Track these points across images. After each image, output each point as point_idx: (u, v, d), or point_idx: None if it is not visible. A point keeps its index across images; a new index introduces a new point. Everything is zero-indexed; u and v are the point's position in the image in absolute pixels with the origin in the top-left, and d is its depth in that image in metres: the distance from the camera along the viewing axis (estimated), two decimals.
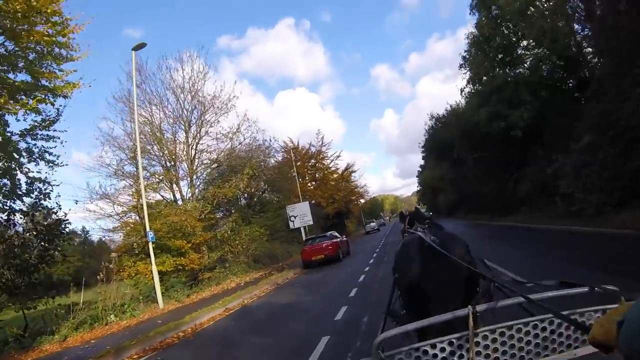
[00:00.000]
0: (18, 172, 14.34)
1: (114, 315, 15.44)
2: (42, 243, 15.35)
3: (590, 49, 20.83)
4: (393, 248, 7.35)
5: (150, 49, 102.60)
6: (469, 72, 26.38)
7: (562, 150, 17.64)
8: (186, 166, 25.79)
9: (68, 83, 13.46)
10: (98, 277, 15.66)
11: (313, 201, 46.65)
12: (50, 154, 14.77)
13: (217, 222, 25.94)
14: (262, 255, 27.54)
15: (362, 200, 64.43)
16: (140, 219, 22.02)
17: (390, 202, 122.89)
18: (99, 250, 38.19)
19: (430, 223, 4.03)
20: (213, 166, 26.48)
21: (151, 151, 24.33)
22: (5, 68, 12.59)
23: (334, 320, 7.71)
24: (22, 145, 14.29)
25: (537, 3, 22.01)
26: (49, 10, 11.63)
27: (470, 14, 26.03)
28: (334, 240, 20.38)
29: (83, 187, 26.89)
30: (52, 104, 13.71)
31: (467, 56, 26.55)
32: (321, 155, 50.70)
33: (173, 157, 24.92)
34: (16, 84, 12.61)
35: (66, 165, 15.45)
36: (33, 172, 14.62)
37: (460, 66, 26.95)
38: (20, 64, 12.83)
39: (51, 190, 15.08)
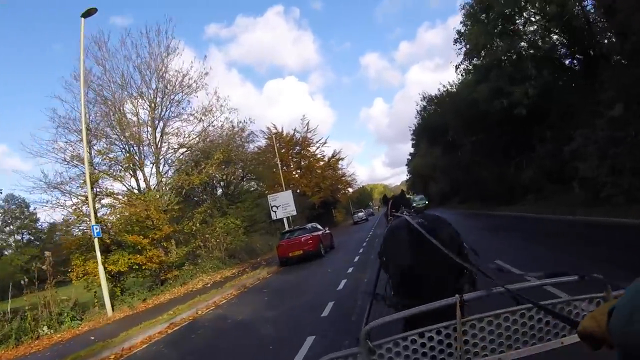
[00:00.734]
0: None
1: (47, 326, 12.87)
2: None
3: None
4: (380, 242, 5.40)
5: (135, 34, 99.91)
6: (464, 47, 23.79)
7: (573, 130, 15.32)
8: (152, 151, 23.06)
9: None
10: (22, 282, 13.01)
11: (298, 190, 44.18)
12: None
13: (186, 214, 23.22)
14: (239, 249, 24.96)
15: (350, 190, 61.88)
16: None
17: (379, 191, 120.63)
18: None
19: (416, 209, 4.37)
20: (182, 151, 23.75)
21: (111, 134, 21.49)
22: None
23: None
24: None
25: None
26: None
27: None
28: (315, 233, 17.95)
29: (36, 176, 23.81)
30: None
31: (463, 29, 23.95)
32: (306, 142, 48.05)
33: (137, 140, 22.10)
34: None
35: None
36: None
37: (455, 41, 24.33)
38: None
39: None
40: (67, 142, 19.22)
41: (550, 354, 1.99)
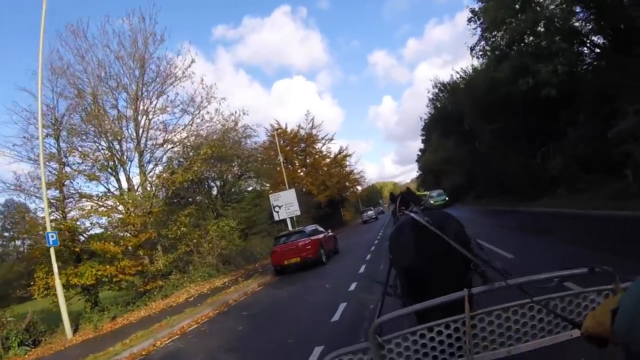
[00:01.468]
0: None
1: None
2: None
3: None
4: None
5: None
6: (479, 27, 21.16)
7: (611, 110, 12.79)
8: (135, 148, 20.86)
9: None
10: None
11: (303, 189, 41.83)
12: None
13: (174, 217, 20.97)
14: (235, 254, 22.67)
15: (359, 188, 59.29)
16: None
17: (389, 189, 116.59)
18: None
19: (425, 205, 4.06)
20: (168, 147, 21.51)
21: (87, 129, 19.27)
22: None
23: None
24: None
25: None
26: None
27: None
28: (315, 237, 15.59)
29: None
30: None
31: (477, 7, 21.32)
32: (312, 139, 45.60)
33: (116, 136, 19.90)
34: None
35: None
36: None
37: (469, 20, 21.66)
38: None
39: None
40: (25, 138, 16.98)
41: (559, 347, 1.97)
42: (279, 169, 43.49)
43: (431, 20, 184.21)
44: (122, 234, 19.06)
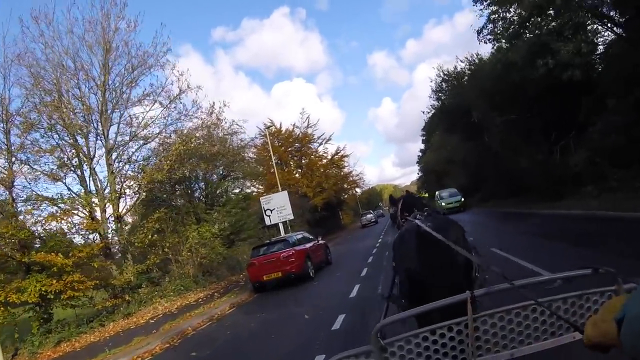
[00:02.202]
0: None
1: None
2: None
3: None
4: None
5: (141, 39, 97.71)
6: (488, 6, 18.85)
7: None
8: (104, 144, 18.57)
9: None
10: None
11: (298, 191, 39.52)
12: None
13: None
14: (217, 264, 20.31)
15: (358, 190, 56.82)
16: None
17: (389, 191, 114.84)
18: None
19: (430, 210, 3.90)
20: (142, 144, 19.18)
21: (48, 121, 16.97)
22: None
23: None
24: None
25: None
26: None
27: None
28: (300, 247, 13.11)
29: None
30: None
31: None
32: (307, 139, 43.26)
33: (81, 131, 17.63)
34: None
35: None
36: None
37: (475, 0, 19.44)
38: None
39: None
40: None
41: (563, 349, 1.96)
42: (272, 170, 41.48)
43: (430, 21, 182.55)
44: (82, 241, 16.85)
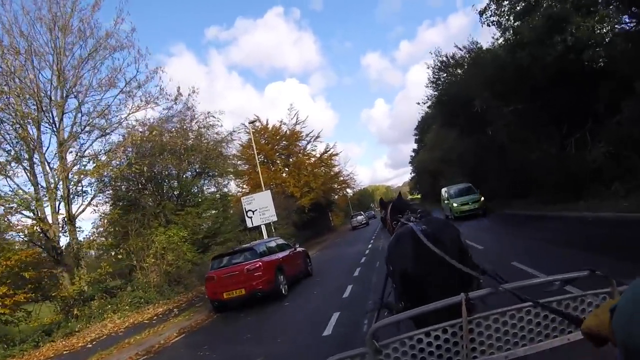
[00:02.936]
0: None
1: None
2: None
3: None
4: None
5: (136, 40, 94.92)
6: None
7: None
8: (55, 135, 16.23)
9: None
10: None
11: (284, 192, 37.20)
12: None
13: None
14: (187, 272, 17.94)
15: (350, 191, 54.44)
16: None
17: (381, 192, 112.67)
18: None
19: (423, 211, 3.88)
20: (98, 135, 16.80)
21: None
22: None
23: None
24: None
25: None
26: None
27: None
28: (270, 258, 10.56)
29: None
30: None
31: None
32: (295, 136, 40.91)
33: (32, 120, 15.30)
34: None
35: None
36: None
37: None
38: None
39: None
40: None
41: (557, 351, 1.97)
42: (258, 169, 39.09)
43: (424, 23, 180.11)
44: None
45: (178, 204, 19.99)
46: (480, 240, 11.23)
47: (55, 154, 15.54)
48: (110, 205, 20.49)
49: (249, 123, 30.83)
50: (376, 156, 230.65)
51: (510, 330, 1.95)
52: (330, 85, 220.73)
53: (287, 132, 40.59)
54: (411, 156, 70.22)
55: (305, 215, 36.80)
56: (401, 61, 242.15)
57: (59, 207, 16.09)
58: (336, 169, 44.16)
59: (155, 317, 12.16)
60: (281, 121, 40.36)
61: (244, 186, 38.73)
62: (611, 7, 13.35)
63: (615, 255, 6.36)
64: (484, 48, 19.69)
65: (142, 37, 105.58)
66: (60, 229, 15.98)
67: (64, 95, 16.33)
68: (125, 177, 20.44)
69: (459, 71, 19.86)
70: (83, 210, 16.09)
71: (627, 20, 13.95)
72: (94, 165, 15.41)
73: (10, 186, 14.86)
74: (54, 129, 16.14)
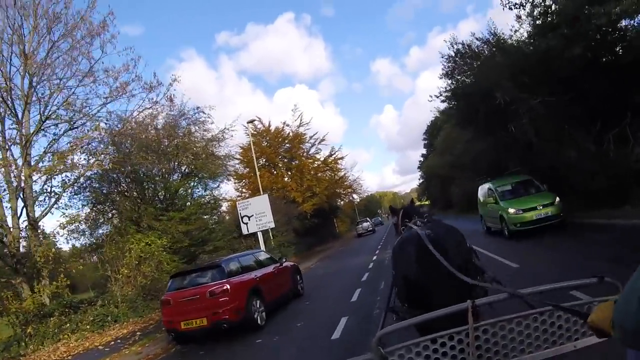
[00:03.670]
0: None
1: None
2: None
3: None
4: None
5: (145, 43, 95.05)
6: None
7: None
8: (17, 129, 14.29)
9: None
10: None
11: (285, 196, 35.10)
12: None
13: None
14: (165, 285, 15.80)
15: (356, 196, 52.05)
16: None
17: (389, 199, 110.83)
18: None
19: (429, 217, 3.91)
20: (65, 130, 14.82)
21: None
22: None
23: None
24: None
25: None
26: None
27: None
28: (241, 278, 8.14)
29: None
30: None
31: None
32: (298, 139, 38.77)
33: None
34: None
35: None
36: None
37: None
38: None
39: None
40: None
41: (564, 358, 1.95)
42: (259, 173, 37.01)
43: (434, 29, 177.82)
44: None
45: (159, 208, 17.91)
46: (510, 254, 9.00)
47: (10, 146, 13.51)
48: (90, 209, 18.71)
49: (248, 123, 28.59)
50: (384, 162, 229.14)
51: (517, 337, 1.93)
52: (340, 91, 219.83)
53: (290, 134, 38.55)
54: (420, 161, 67.98)
55: (307, 221, 34.64)
56: (411, 67, 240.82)
57: (22, 210, 14.26)
58: (341, 173, 41.83)
59: (114, 342, 10.12)
60: (284, 123, 38.34)
61: (244, 190, 36.75)
62: None
63: None
64: (504, 36, 17.51)
65: (152, 43, 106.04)
66: (21, 234, 14.11)
67: (30, 83, 14.44)
68: (107, 178, 18.65)
69: (477, 63, 17.63)
70: (46, 214, 14.12)
71: None
72: (53, 159, 13.35)
73: None
74: (16, 120, 14.22)
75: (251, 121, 28.79)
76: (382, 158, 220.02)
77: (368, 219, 49.85)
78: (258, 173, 30.16)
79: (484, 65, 16.56)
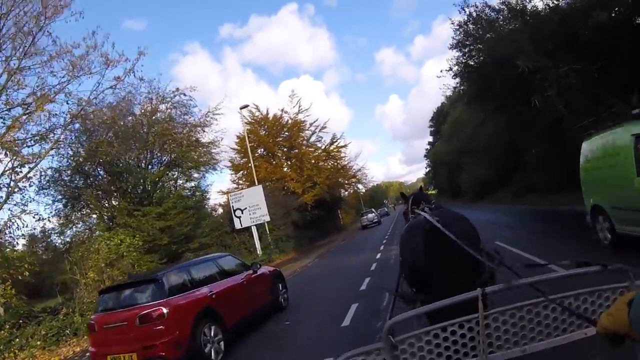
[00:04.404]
0: None
1: None
2: None
3: None
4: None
5: (150, 40, 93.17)
6: None
7: None
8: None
9: None
10: None
11: (285, 187, 33.10)
12: None
13: None
14: None
15: (361, 186, 49.78)
16: None
17: (395, 189, 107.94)
18: None
19: (437, 203, 3.96)
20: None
21: None
22: None
23: None
24: None
25: None
26: None
27: None
28: (186, 297, 5.78)
29: None
30: None
31: None
32: (297, 127, 36.59)
33: None
34: None
35: None
36: None
37: None
38: None
39: None
40: None
41: (574, 345, 1.95)
42: (257, 163, 34.94)
43: (439, 17, 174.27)
44: None
45: (134, 202, 15.94)
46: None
47: None
48: (63, 205, 16.90)
49: (241, 109, 26.38)
50: (390, 153, 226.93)
51: (527, 325, 1.93)
52: (345, 82, 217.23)
53: (289, 121, 36.37)
54: (426, 149, 65.81)
55: (308, 213, 32.62)
56: (416, 56, 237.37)
57: None
58: (343, 162, 39.62)
59: None
60: (282, 110, 36.11)
61: (241, 182, 34.75)
62: None
63: None
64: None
65: (156, 36, 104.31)
66: None
67: None
68: (81, 171, 16.78)
69: (491, 34, 15.34)
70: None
71: None
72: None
73: None
74: None
75: (244, 107, 26.53)
76: (388, 148, 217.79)
77: (373, 210, 47.58)
78: (253, 163, 28.05)
79: (500, 31, 14.33)
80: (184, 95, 17.31)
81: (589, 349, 2.00)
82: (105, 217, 16.66)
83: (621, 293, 1.88)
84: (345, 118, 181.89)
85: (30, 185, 14.17)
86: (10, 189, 12.52)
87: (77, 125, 14.82)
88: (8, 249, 12.35)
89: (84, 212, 17.03)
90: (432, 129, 61.49)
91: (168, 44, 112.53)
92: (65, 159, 15.94)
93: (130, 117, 16.94)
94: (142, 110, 17.41)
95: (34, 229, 15.20)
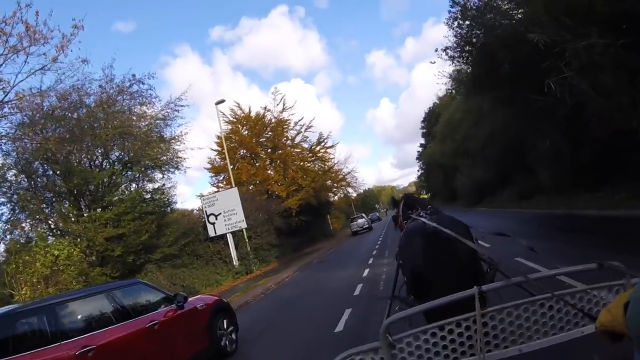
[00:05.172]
0: None
1: None
2: None
3: None
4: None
5: (137, 40, 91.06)
6: None
7: None
8: None
9: None
10: None
11: (268, 191, 30.88)
12: None
13: None
14: None
15: (351, 190, 47.53)
16: None
17: (387, 193, 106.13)
18: None
19: (433, 207, 3.92)
20: None
21: None
22: None
23: None
24: None
25: None
26: None
27: None
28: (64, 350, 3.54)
29: None
30: None
31: None
32: (281, 127, 34.44)
33: None
34: None
35: None
36: None
37: None
38: None
39: None
40: None
41: (571, 344, 1.93)
42: (239, 165, 32.73)
43: (429, 20, 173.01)
44: None
45: (79, 206, 13.60)
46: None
47: None
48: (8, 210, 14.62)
49: (216, 104, 24.05)
50: (382, 157, 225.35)
51: (524, 323, 1.93)
52: (336, 85, 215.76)
53: (273, 120, 34.19)
54: (418, 152, 63.98)
55: (293, 219, 30.34)
56: (406, 59, 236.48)
57: None
58: (330, 163, 37.45)
59: None
60: (265, 108, 33.94)
61: (221, 185, 32.41)
62: None
63: None
64: None
65: (146, 38, 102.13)
66: None
67: None
68: (27, 170, 14.53)
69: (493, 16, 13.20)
70: None
71: None
72: None
73: None
74: None
75: (220, 102, 24.16)
76: (380, 152, 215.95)
77: (363, 215, 45.21)
78: (235, 165, 25.85)
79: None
80: (142, 84, 15.02)
81: (587, 347, 2.01)
82: (51, 224, 14.38)
83: (617, 291, 1.88)
84: (337, 122, 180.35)
85: None
86: None
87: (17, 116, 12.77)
88: None
89: (38, 218, 14.78)
90: (424, 130, 59.88)
91: (158, 46, 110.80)
92: (9, 155, 13.87)
93: (83, 110, 14.76)
94: (97, 102, 15.20)
95: None
